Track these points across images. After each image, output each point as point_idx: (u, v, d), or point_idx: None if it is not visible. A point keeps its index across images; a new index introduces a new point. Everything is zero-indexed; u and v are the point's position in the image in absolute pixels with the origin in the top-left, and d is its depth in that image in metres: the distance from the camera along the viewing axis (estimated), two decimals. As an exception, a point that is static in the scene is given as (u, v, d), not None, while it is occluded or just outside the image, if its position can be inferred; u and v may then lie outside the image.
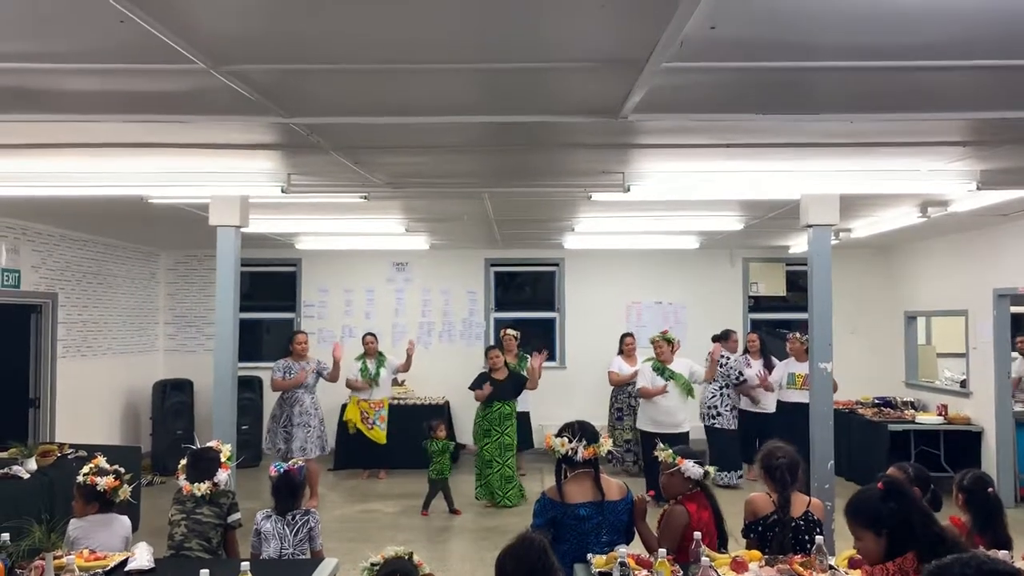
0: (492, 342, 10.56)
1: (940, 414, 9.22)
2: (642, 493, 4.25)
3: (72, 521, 4.32)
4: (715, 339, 9.36)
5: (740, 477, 9.10)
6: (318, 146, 4.84)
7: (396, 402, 10.12)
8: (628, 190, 5.81)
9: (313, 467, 8.20)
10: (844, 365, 8.58)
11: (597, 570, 3.70)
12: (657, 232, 9.06)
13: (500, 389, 8.41)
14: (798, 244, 10.08)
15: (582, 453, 4.09)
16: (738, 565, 3.66)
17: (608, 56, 3.23)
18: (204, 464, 4.51)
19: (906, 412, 9.57)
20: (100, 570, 3.86)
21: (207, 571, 3.48)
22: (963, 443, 8.91)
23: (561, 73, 3.49)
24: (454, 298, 11.47)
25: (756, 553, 3.85)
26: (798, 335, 9.11)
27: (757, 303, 11.46)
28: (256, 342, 11.42)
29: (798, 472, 4.14)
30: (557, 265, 11.49)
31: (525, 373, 8.79)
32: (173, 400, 10.32)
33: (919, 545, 2.97)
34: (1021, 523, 7.48)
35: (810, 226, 6.12)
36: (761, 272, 11.37)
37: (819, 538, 3.82)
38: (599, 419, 9.33)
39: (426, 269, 11.42)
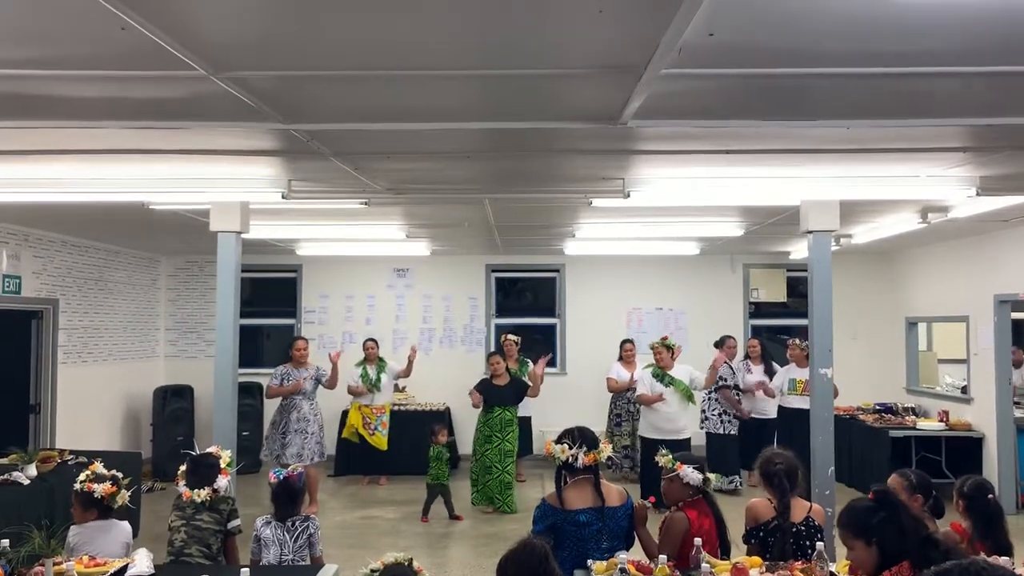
0: (493, 348, 10.56)
1: (941, 420, 9.21)
2: (642, 500, 4.25)
3: (72, 528, 4.32)
4: (716, 345, 9.37)
5: (733, 482, 9.00)
6: (318, 152, 4.85)
7: (397, 408, 10.12)
8: (628, 196, 5.82)
9: (312, 473, 8.19)
10: (845, 371, 8.57)
11: (597, 576, 3.69)
12: (657, 238, 9.07)
13: (501, 395, 8.41)
14: (798, 250, 10.09)
15: (582, 459, 4.09)
16: (739, 571, 3.65)
17: (607, 62, 3.23)
18: (204, 470, 4.51)
19: (907, 418, 9.56)
20: (100, 576, 3.86)
21: (206, 577, 3.47)
22: (964, 449, 8.89)
23: (560, 79, 3.50)
24: (455, 304, 11.48)
25: (757, 559, 3.84)
26: (798, 341, 9.10)
27: (758, 309, 11.46)
28: (257, 348, 11.43)
29: (797, 478, 4.14)
30: (558, 271, 11.50)
31: (526, 379, 8.79)
32: (173, 406, 10.32)
33: (911, 553, 2.99)
34: (1023, 530, 7.47)
35: (810, 232, 6.12)
36: (762, 278, 11.37)
37: (820, 544, 3.81)
38: (598, 425, 9.34)
39: (427, 275, 11.43)
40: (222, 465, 4.60)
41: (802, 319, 9.27)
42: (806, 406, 6.46)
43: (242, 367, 6.72)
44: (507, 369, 8.70)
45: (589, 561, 3.84)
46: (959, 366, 9.70)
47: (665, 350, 8.42)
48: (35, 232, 8.45)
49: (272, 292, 11.66)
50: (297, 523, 4.37)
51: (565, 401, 10.34)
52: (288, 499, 4.43)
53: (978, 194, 5.72)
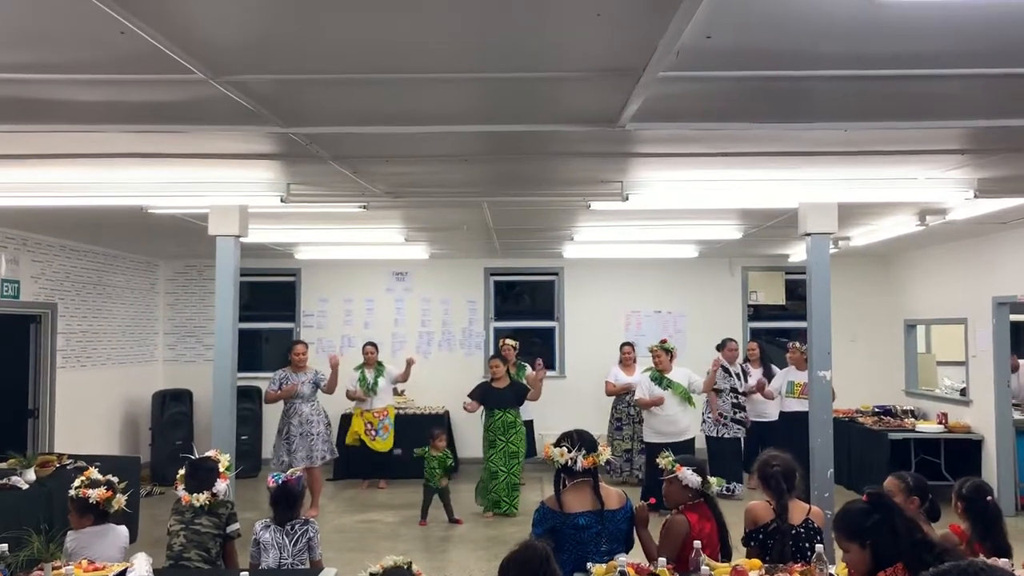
0: (492, 351, 10.56)
1: (940, 422, 9.21)
2: (642, 501, 4.25)
3: (69, 533, 4.31)
4: (718, 348, 9.37)
5: (729, 487, 8.90)
6: (317, 156, 4.85)
7: (397, 411, 10.11)
8: (626, 199, 5.82)
9: (316, 475, 8.20)
10: (844, 373, 8.57)
11: (596, 579, 3.69)
12: (656, 241, 9.07)
13: (501, 398, 8.41)
14: (797, 253, 10.10)
15: (581, 463, 4.08)
16: (738, 574, 3.65)
17: (605, 65, 3.24)
18: (202, 474, 4.50)
19: (906, 420, 9.56)
20: (98, 581, 3.85)
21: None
22: (963, 451, 8.89)
23: (559, 82, 3.51)
24: (454, 307, 11.48)
25: (756, 562, 3.84)
26: (798, 344, 9.10)
27: (757, 312, 11.46)
28: (255, 352, 11.42)
29: (795, 479, 4.14)
30: (556, 274, 11.50)
31: (524, 382, 8.79)
32: (172, 410, 10.31)
33: (905, 555, 3.00)
34: (1021, 531, 7.48)
35: (808, 235, 6.13)
36: (760, 281, 11.37)
37: (819, 546, 3.81)
38: (599, 428, 9.33)
39: (426, 278, 11.42)
40: (221, 469, 4.59)
41: (801, 322, 9.27)
42: (805, 408, 6.46)
43: (241, 371, 6.71)
44: (508, 372, 8.69)
45: (589, 564, 3.83)
46: (958, 368, 9.70)
47: (664, 353, 8.43)
48: (33, 236, 8.45)
49: (271, 296, 11.66)
50: (296, 527, 4.36)
51: (564, 404, 10.33)
52: (287, 503, 4.42)
53: (976, 196, 5.73)
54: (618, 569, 3.55)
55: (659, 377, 8.34)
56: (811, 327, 6.09)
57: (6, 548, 3.81)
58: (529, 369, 9.45)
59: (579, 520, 4.01)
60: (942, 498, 4.28)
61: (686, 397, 8.25)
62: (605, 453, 4.21)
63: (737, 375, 9.27)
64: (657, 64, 3.13)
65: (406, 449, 9.22)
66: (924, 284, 10.20)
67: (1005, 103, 3.88)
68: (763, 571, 3.76)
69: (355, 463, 9.88)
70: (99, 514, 4.33)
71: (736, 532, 4.23)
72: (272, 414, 8.78)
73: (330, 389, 8.45)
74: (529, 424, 9.41)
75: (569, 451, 4.10)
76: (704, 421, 9.22)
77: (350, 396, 9.62)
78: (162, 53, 3.04)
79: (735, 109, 3.94)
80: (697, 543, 3.80)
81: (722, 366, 9.13)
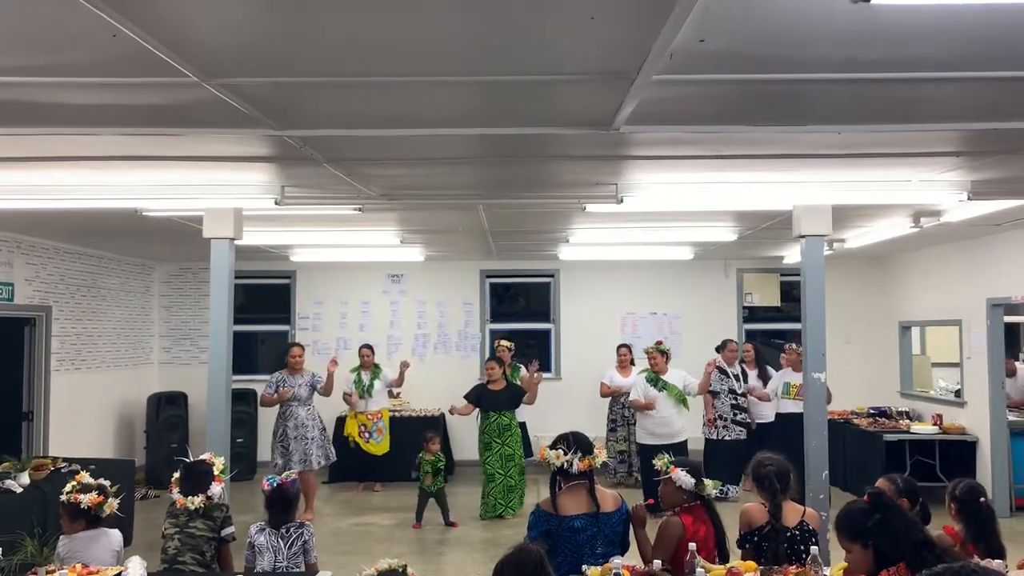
0: (488, 353, 10.56)
1: (935, 424, 9.23)
2: (641, 502, 4.25)
3: (61, 538, 4.30)
4: (717, 350, 9.37)
5: (724, 489, 8.87)
6: (311, 158, 4.85)
7: (392, 414, 10.10)
8: (621, 201, 5.83)
9: (310, 479, 8.19)
10: (839, 375, 8.57)
11: (591, 582, 3.69)
12: (651, 243, 9.08)
13: (496, 400, 8.41)
14: (792, 254, 10.11)
15: (577, 465, 4.08)
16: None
17: (599, 68, 3.25)
18: (197, 477, 4.49)
19: (901, 422, 9.58)
20: (92, 584, 3.85)
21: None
22: (958, 453, 8.91)
23: (553, 85, 3.51)
24: (449, 309, 11.47)
25: (751, 564, 3.84)
26: (794, 346, 9.11)
27: (752, 313, 11.47)
28: (251, 355, 11.41)
29: (788, 480, 4.14)
30: (552, 276, 11.50)
31: (519, 382, 8.79)
32: (167, 413, 10.28)
33: (907, 555, 3.01)
34: (1017, 533, 7.50)
35: (803, 236, 6.14)
36: (755, 282, 11.39)
37: (814, 548, 3.81)
38: (595, 430, 9.30)
39: (421, 281, 11.42)
40: (216, 472, 4.58)
41: (796, 323, 9.27)
42: (801, 410, 6.46)
43: (236, 374, 6.71)
44: (504, 374, 8.69)
45: (584, 567, 3.83)
46: (952, 370, 9.72)
47: (659, 355, 8.43)
48: (28, 239, 8.43)
49: (266, 298, 11.64)
50: (291, 530, 4.36)
51: (560, 406, 10.33)
52: (282, 506, 4.42)
53: (969, 198, 5.74)
54: (613, 571, 3.55)
55: (654, 378, 8.35)
56: (806, 329, 6.10)
57: (0, 552, 3.79)
58: (524, 371, 9.44)
59: (574, 523, 4.01)
60: (936, 499, 4.29)
61: (681, 399, 8.25)
62: (601, 455, 4.21)
63: (736, 376, 9.25)
64: (651, 67, 3.13)
65: (403, 455, 9.21)
66: (919, 286, 10.22)
67: (998, 106, 3.89)
68: (758, 573, 3.76)
69: (350, 466, 9.87)
70: (91, 519, 4.31)
71: (732, 535, 4.24)
72: (267, 417, 8.76)
73: (327, 392, 8.44)
74: (523, 426, 9.40)
75: (565, 453, 4.10)
76: (704, 424, 9.22)
77: (345, 399, 9.61)
78: (155, 56, 3.03)
79: (729, 112, 3.94)
80: (692, 545, 3.80)
81: (719, 368, 9.14)
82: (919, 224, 7.36)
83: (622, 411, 9.68)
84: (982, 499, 3.98)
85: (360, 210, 6.48)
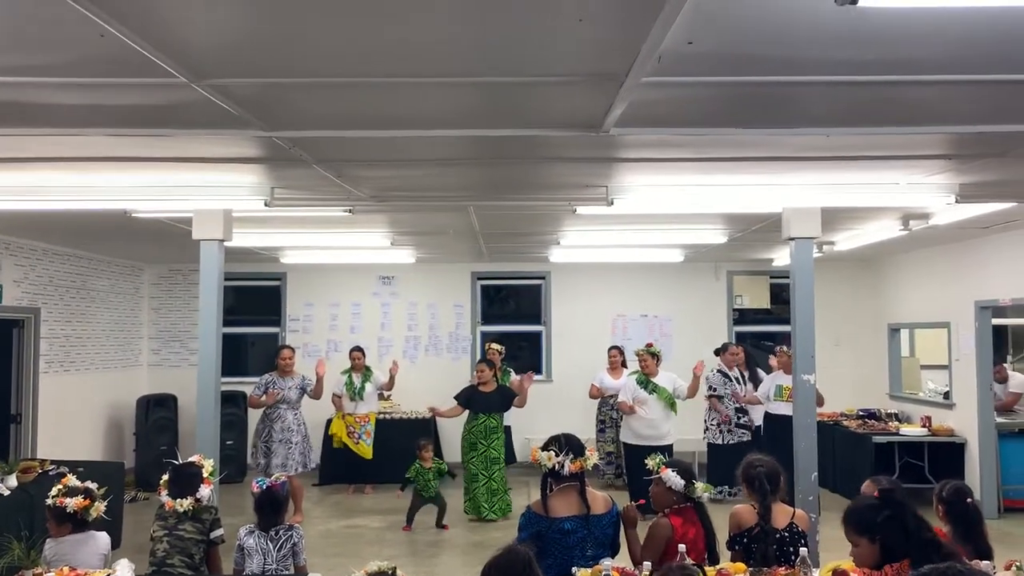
0: (479, 356, 10.55)
1: (924, 426, 9.27)
2: (632, 502, 4.26)
3: (48, 542, 4.27)
4: (717, 353, 9.39)
5: (721, 492, 8.89)
6: (301, 160, 4.84)
7: (382, 416, 10.09)
8: (612, 203, 5.84)
9: (296, 483, 8.14)
10: (828, 377, 8.60)
11: (581, 583, 3.69)
12: (642, 245, 9.09)
13: (487, 402, 8.41)
14: (782, 257, 10.14)
15: (569, 467, 4.08)
16: (721, 577, 3.66)
17: (588, 70, 3.25)
18: (185, 479, 4.47)
19: (890, 424, 9.62)
20: (80, 587, 3.83)
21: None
22: (947, 454, 8.95)
23: (542, 87, 3.52)
24: (440, 312, 11.46)
25: (741, 566, 3.85)
26: (785, 348, 9.12)
27: (742, 316, 11.50)
28: (240, 357, 11.37)
29: (779, 481, 4.15)
30: (543, 278, 11.50)
31: (508, 385, 8.80)
32: (157, 415, 10.23)
33: (913, 552, 3.03)
34: (1005, 534, 7.53)
35: (792, 239, 6.16)
36: (745, 285, 11.42)
37: (803, 550, 3.82)
38: (586, 432, 9.33)
39: (412, 283, 11.40)
40: (204, 474, 4.56)
41: (785, 326, 9.29)
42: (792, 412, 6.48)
43: (226, 376, 6.69)
44: (494, 377, 8.69)
45: (574, 569, 3.83)
46: (941, 372, 9.77)
47: (650, 357, 8.44)
48: (16, 240, 8.39)
49: (256, 300, 11.61)
50: (280, 532, 4.34)
51: (551, 408, 10.32)
52: (271, 508, 4.40)
53: (957, 201, 5.78)
54: (603, 573, 3.55)
55: (645, 381, 8.36)
56: (795, 331, 6.12)
57: (-14, 555, 3.77)
58: (513, 374, 9.44)
59: (565, 525, 4.00)
60: (925, 501, 4.30)
61: (670, 402, 8.26)
62: (593, 457, 4.21)
63: (737, 379, 9.25)
64: (640, 69, 3.14)
65: (393, 456, 9.21)
66: (908, 288, 10.27)
67: (986, 109, 3.92)
68: (747, 574, 3.76)
69: (341, 468, 9.85)
70: (77, 522, 4.29)
71: (723, 537, 4.24)
72: (256, 419, 8.72)
73: (317, 395, 8.41)
74: (507, 430, 9.39)
75: (557, 455, 4.10)
76: (707, 429, 9.21)
77: (335, 401, 9.59)
78: (143, 56, 3.02)
79: (718, 114, 3.96)
80: (682, 547, 3.80)
81: (720, 371, 9.17)
82: (908, 227, 7.40)
83: (610, 412, 9.69)
84: (969, 500, 4.00)
85: (350, 212, 6.47)
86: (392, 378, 9.61)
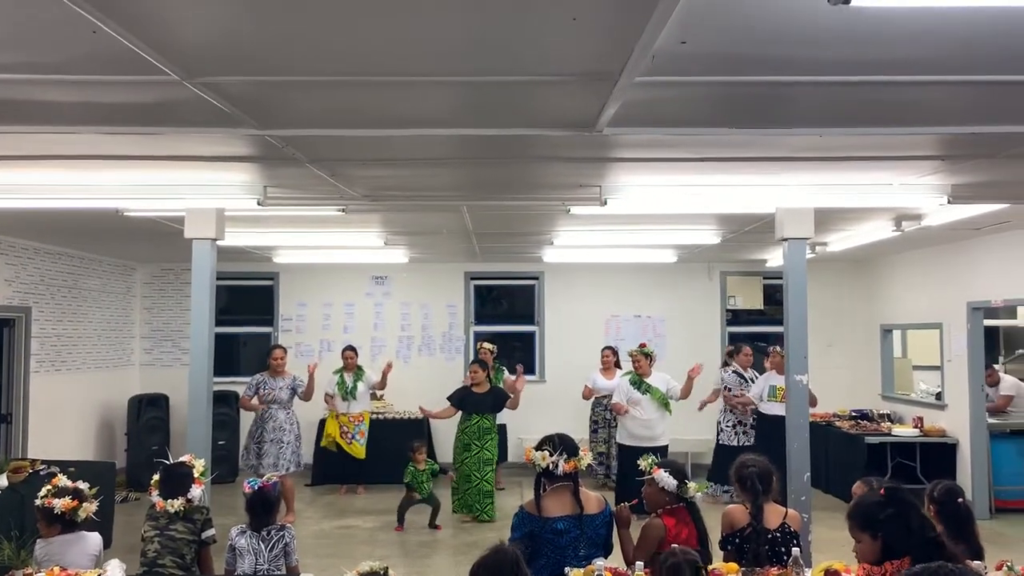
0: (472, 356, 10.54)
1: (916, 426, 9.30)
2: (625, 503, 4.26)
3: (38, 542, 4.25)
4: (731, 355, 9.41)
5: (728, 491, 8.95)
6: (294, 158, 4.82)
7: (375, 416, 10.07)
8: (605, 203, 5.84)
9: (288, 483, 8.14)
10: (821, 378, 8.62)
11: (574, 583, 3.69)
12: (635, 246, 9.10)
13: (479, 402, 8.40)
14: (775, 258, 10.15)
15: (562, 466, 4.08)
16: (714, 577, 3.66)
17: (582, 70, 3.25)
18: (176, 479, 4.45)
19: (882, 424, 9.64)
20: (70, 588, 3.81)
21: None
22: (939, 455, 8.97)
23: (536, 86, 3.51)
24: (434, 312, 11.45)
25: (733, 566, 3.85)
26: (779, 348, 9.13)
27: (735, 316, 11.51)
28: (233, 357, 11.33)
29: (771, 481, 4.16)
30: (537, 279, 11.50)
31: (501, 385, 8.79)
32: (148, 415, 10.19)
33: (915, 550, 3.05)
34: (996, 534, 7.56)
35: (785, 239, 6.17)
36: (739, 285, 11.43)
37: (796, 550, 3.83)
38: (579, 432, 9.33)
39: (405, 282, 11.38)
40: (196, 474, 4.55)
41: (778, 326, 9.29)
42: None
43: (218, 376, 6.66)
44: (488, 377, 8.68)
45: (567, 569, 3.83)
46: (933, 373, 9.80)
47: (643, 357, 8.45)
48: (7, 239, 8.35)
49: (249, 300, 11.57)
50: (272, 532, 4.33)
51: (544, 409, 10.30)
52: (263, 509, 4.39)
53: (950, 202, 5.79)
54: (596, 573, 3.55)
55: (638, 381, 8.36)
56: (788, 332, 6.13)
57: (-24, 555, 3.75)
58: (507, 373, 9.43)
59: (558, 525, 4.00)
60: (917, 501, 4.31)
61: (664, 403, 8.27)
62: (586, 457, 4.21)
63: (752, 380, 9.25)
64: (633, 69, 3.14)
65: (386, 457, 9.20)
66: (900, 289, 10.30)
67: (979, 110, 3.93)
68: (739, 575, 3.77)
69: (333, 468, 9.82)
70: (67, 523, 4.26)
71: (716, 537, 4.24)
72: (249, 419, 8.70)
73: (307, 396, 8.39)
74: (502, 428, 9.40)
75: (551, 455, 4.10)
76: (722, 430, 9.21)
77: (327, 401, 9.57)
78: (135, 54, 3.01)
79: (711, 114, 3.96)
80: (675, 547, 3.80)
81: (736, 372, 9.19)
82: (900, 228, 7.41)
83: (604, 413, 9.69)
84: (960, 500, 4.02)
85: (343, 211, 6.46)
86: (384, 377, 9.60)
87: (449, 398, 8.54)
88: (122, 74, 3.28)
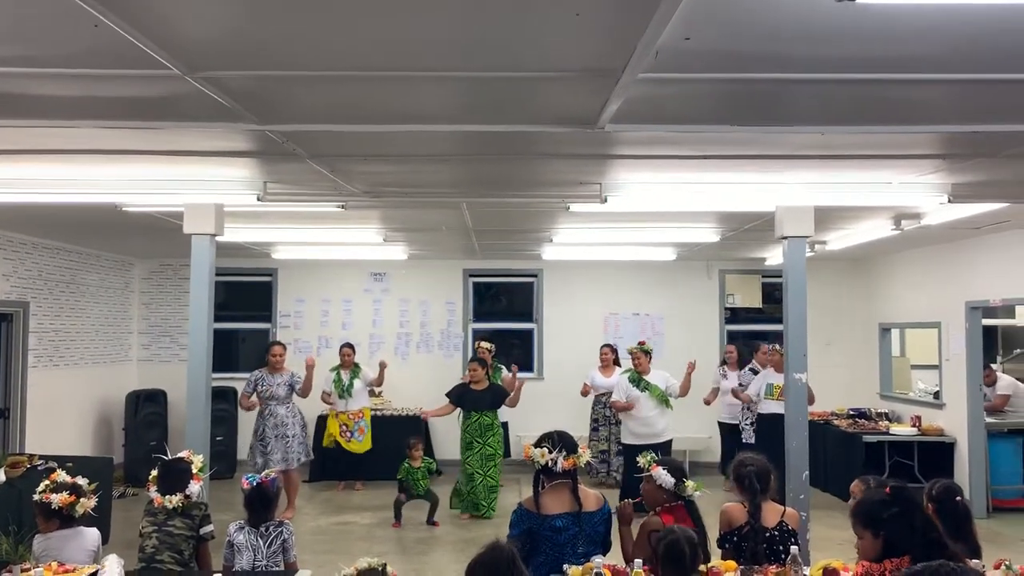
0: (470, 353, 10.54)
1: (914, 425, 9.31)
2: (627, 499, 4.26)
3: (36, 537, 4.25)
4: (750, 353, 9.43)
5: None
6: (294, 154, 4.81)
7: (374, 413, 10.06)
8: (605, 201, 5.83)
9: (294, 477, 8.15)
10: (819, 377, 8.63)
11: (572, 581, 3.69)
12: (634, 243, 9.10)
13: (478, 400, 8.39)
14: (774, 256, 10.16)
15: (561, 464, 4.08)
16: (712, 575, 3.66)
17: (584, 65, 3.24)
18: (175, 475, 4.45)
19: (880, 423, 9.65)
20: (68, 583, 3.81)
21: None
22: (936, 454, 8.99)
23: (538, 82, 3.50)
24: (432, 309, 11.44)
25: (731, 563, 3.85)
26: (777, 347, 9.14)
27: (734, 314, 11.51)
28: (231, 353, 11.32)
29: (769, 480, 4.16)
30: (536, 276, 11.49)
31: (500, 382, 8.79)
32: (146, 411, 10.19)
33: (915, 550, 3.06)
34: (994, 533, 7.57)
35: (785, 238, 6.17)
36: (737, 284, 11.43)
37: (794, 548, 3.83)
38: (579, 430, 9.33)
39: (404, 279, 11.37)
40: (194, 470, 4.54)
41: (777, 325, 9.31)
42: (783, 411, 6.49)
43: (216, 372, 6.65)
44: (487, 375, 8.67)
45: (565, 566, 3.83)
46: (931, 372, 9.81)
47: (643, 355, 8.45)
48: (5, 234, 8.33)
49: (247, 296, 11.56)
50: (271, 528, 4.32)
51: (543, 406, 10.29)
52: (262, 504, 4.39)
53: (950, 201, 5.79)
54: (594, 571, 3.55)
55: (637, 379, 8.36)
56: (787, 330, 6.13)
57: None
58: (505, 371, 9.43)
59: (556, 522, 4.00)
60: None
61: (663, 400, 8.27)
62: (585, 455, 4.21)
63: None
64: (636, 65, 3.13)
65: (385, 453, 9.19)
66: (899, 288, 10.30)
67: (980, 109, 3.92)
68: (738, 573, 3.77)
69: (331, 465, 9.82)
70: (64, 518, 4.26)
71: (713, 535, 4.24)
72: (247, 415, 8.71)
73: (305, 392, 8.38)
74: (504, 426, 9.40)
75: (550, 452, 4.09)
76: (743, 429, 9.23)
77: (324, 399, 9.57)
78: (136, 48, 2.99)
79: (713, 111, 3.95)
80: (673, 526, 3.80)
81: (752, 370, 9.24)
82: (899, 227, 7.41)
83: (604, 411, 9.70)
84: (958, 499, 4.02)
85: (343, 207, 6.45)
86: (381, 373, 9.58)
87: (448, 394, 8.54)
88: (123, 68, 3.27)
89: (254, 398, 8.18)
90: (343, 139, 4.52)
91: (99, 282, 10.24)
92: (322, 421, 9.87)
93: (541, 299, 11.47)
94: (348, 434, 9.56)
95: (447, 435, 10.31)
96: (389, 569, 3.38)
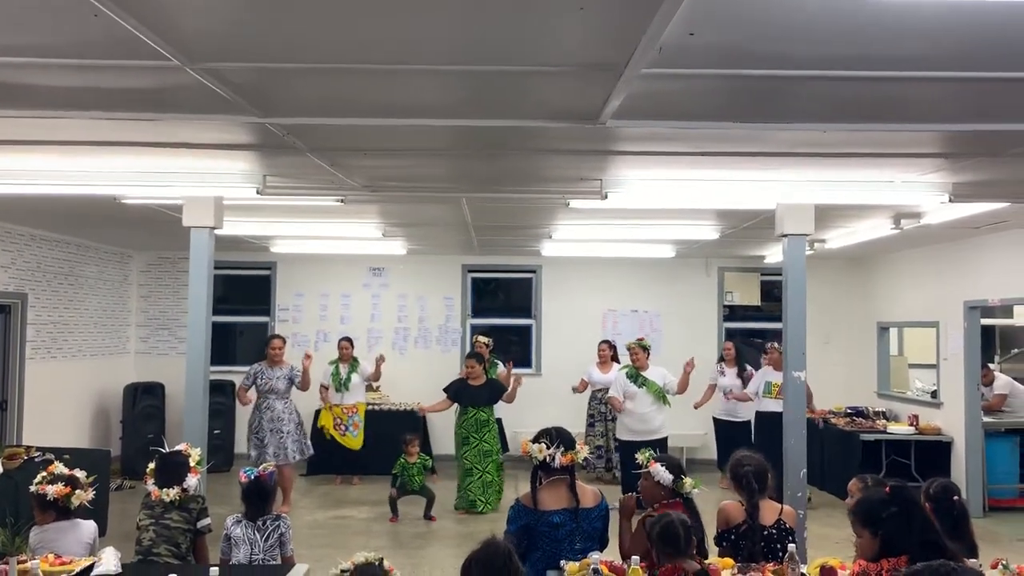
0: (469, 349, 10.53)
1: (911, 424, 9.31)
2: (630, 493, 4.27)
3: (33, 529, 4.24)
4: (763, 353, 9.42)
5: None
6: (294, 147, 4.80)
7: (371, 407, 10.06)
8: (605, 197, 5.82)
9: (287, 472, 8.14)
10: (817, 375, 8.63)
11: (570, 577, 3.68)
12: (634, 240, 9.09)
13: (475, 395, 8.39)
14: (773, 254, 10.15)
15: (559, 459, 4.08)
16: (711, 572, 3.66)
17: (587, 60, 3.23)
18: (172, 468, 4.44)
19: (878, 422, 9.65)
20: (65, 575, 3.79)
21: (174, 576, 3.42)
22: (934, 453, 9.00)
23: (540, 77, 3.49)
24: (430, 304, 11.43)
25: (728, 561, 3.86)
26: (776, 345, 9.14)
27: (732, 312, 11.51)
28: (229, 346, 11.31)
29: (766, 479, 4.16)
30: (534, 272, 11.48)
31: (496, 378, 8.79)
32: (144, 403, 10.18)
33: (913, 550, 3.06)
34: (990, 532, 7.57)
35: (785, 236, 6.15)
36: (736, 281, 11.43)
37: (791, 546, 3.83)
38: (576, 426, 9.32)
39: (403, 274, 11.37)
40: (192, 463, 4.54)
41: (776, 323, 9.32)
42: (782, 409, 6.49)
43: (214, 365, 6.64)
44: (484, 370, 8.67)
45: (562, 562, 3.83)
46: (929, 371, 9.81)
47: (641, 351, 8.44)
48: (3, 225, 8.31)
49: (246, 289, 11.55)
50: (268, 522, 4.32)
51: (540, 402, 10.28)
52: (259, 498, 4.38)
53: (950, 200, 5.78)
54: (591, 567, 3.55)
55: (635, 375, 8.36)
56: (786, 328, 6.12)
57: (-30, 541, 3.73)
58: (501, 367, 9.42)
59: (554, 518, 4.00)
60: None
61: (660, 396, 8.27)
62: (583, 451, 4.21)
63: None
64: (639, 60, 3.12)
65: (381, 448, 9.19)
66: (897, 287, 10.30)
67: (981, 107, 3.92)
68: (735, 570, 3.77)
69: (328, 459, 9.81)
70: (61, 510, 4.25)
71: (711, 532, 4.24)
72: (245, 409, 8.70)
73: (304, 386, 8.39)
74: (499, 422, 9.39)
75: (547, 448, 4.09)
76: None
77: (321, 392, 9.56)
78: (136, 38, 2.98)
79: (715, 108, 3.94)
80: (669, 512, 3.79)
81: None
82: (899, 226, 7.40)
83: (599, 407, 9.70)
84: (956, 497, 4.03)
85: (342, 201, 6.43)
86: (379, 368, 9.58)
87: (445, 389, 8.54)
88: (123, 58, 3.25)
89: (252, 392, 8.18)
90: (344, 132, 4.51)
91: (97, 274, 10.23)
92: (318, 414, 9.86)
93: (540, 295, 11.46)
94: (342, 427, 9.55)
95: (445, 431, 10.29)
96: (386, 563, 3.37)
